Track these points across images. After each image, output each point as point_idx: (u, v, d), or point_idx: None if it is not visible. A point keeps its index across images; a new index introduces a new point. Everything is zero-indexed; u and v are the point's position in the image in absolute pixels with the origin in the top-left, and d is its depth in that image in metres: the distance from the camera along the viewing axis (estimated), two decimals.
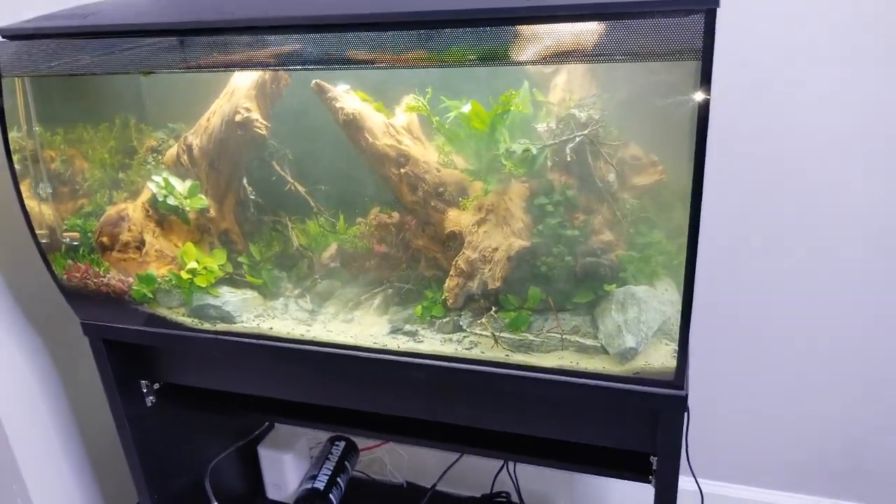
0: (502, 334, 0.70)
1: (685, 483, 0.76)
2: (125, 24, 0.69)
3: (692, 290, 0.59)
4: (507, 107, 0.68)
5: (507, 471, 1.13)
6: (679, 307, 0.60)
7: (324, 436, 1.23)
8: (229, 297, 0.81)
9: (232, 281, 0.83)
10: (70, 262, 0.84)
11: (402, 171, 0.74)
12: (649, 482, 0.72)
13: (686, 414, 0.66)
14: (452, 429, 0.82)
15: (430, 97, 0.71)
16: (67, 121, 0.85)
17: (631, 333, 0.65)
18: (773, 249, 0.97)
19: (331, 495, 1.10)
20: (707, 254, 0.81)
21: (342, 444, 1.19)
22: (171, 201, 0.82)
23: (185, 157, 0.83)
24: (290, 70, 0.77)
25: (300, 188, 0.81)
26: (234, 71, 0.77)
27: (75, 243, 0.84)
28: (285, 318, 0.80)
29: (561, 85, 0.69)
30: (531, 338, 0.69)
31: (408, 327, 0.74)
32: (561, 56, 0.56)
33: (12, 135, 0.79)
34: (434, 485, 1.16)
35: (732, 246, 0.98)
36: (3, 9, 0.87)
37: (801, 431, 1.06)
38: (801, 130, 0.90)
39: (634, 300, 0.66)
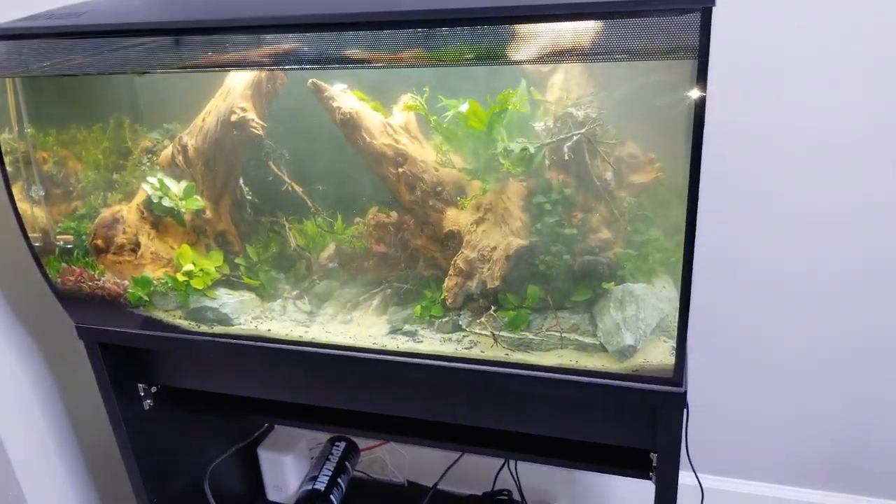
0: (502, 333, 0.70)
1: (686, 478, 0.77)
2: (119, 24, 0.68)
3: (690, 287, 0.59)
4: (505, 106, 0.67)
5: (509, 469, 1.13)
6: (677, 304, 0.61)
7: (324, 437, 1.23)
8: (226, 299, 0.81)
9: (229, 283, 0.82)
10: (64, 265, 0.83)
11: (400, 170, 0.73)
12: (650, 479, 0.73)
13: (686, 410, 0.67)
14: (453, 428, 0.82)
15: (427, 96, 0.71)
16: (60, 121, 0.84)
17: (629, 331, 0.65)
18: (773, 246, 0.97)
19: (332, 496, 1.10)
20: (706, 252, 0.81)
21: (342, 444, 1.19)
22: (166, 203, 0.81)
23: (181, 157, 0.82)
24: (286, 69, 0.76)
25: (297, 188, 0.81)
26: (229, 70, 0.77)
27: (69, 246, 0.83)
28: (283, 319, 0.80)
29: (558, 84, 0.69)
30: (530, 336, 0.69)
31: (407, 327, 0.74)
32: (558, 55, 0.56)
33: (3, 136, 0.78)
34: (436, 484, 1.16)
35: (732, 244, 0.98)
36: None
37: (801, 426, 1.07)
38: (800, 128, 0.90)
39: (633, 298, 0.66)
